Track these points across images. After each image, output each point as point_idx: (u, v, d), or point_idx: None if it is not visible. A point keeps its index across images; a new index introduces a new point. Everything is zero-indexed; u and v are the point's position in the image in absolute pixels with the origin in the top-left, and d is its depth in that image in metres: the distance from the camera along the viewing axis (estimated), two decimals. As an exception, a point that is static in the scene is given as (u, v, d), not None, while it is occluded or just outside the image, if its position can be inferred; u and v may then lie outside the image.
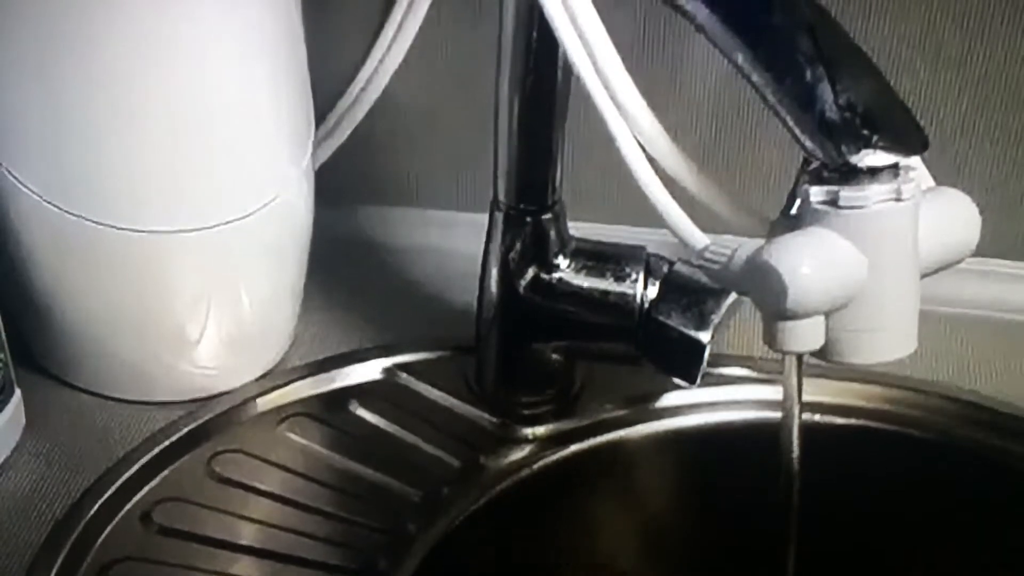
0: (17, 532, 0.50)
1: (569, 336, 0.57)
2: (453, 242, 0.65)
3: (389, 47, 0.66)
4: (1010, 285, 0.64)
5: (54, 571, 0.48)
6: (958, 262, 0.41)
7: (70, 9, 0.49)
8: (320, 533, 0.51)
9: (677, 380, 0.55)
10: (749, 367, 0.60)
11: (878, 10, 0.60)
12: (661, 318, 0.54)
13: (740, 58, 0.41)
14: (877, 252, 0.39)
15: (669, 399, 0.58)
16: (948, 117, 0.62)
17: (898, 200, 0.38)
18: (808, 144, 0.39)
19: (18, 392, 0.55)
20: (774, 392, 0.52)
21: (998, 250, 0.64)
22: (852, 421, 0.57)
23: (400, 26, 0.65)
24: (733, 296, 0.53)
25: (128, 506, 0.52)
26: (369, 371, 0.60)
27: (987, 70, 0.61)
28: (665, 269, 0.55)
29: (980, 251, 0.42)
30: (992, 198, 0.63)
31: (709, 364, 0.55)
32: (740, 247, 0.41)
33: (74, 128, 0.51)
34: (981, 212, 0.42)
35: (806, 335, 0.39)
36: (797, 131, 0.40)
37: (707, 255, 0.42)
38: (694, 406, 0.58)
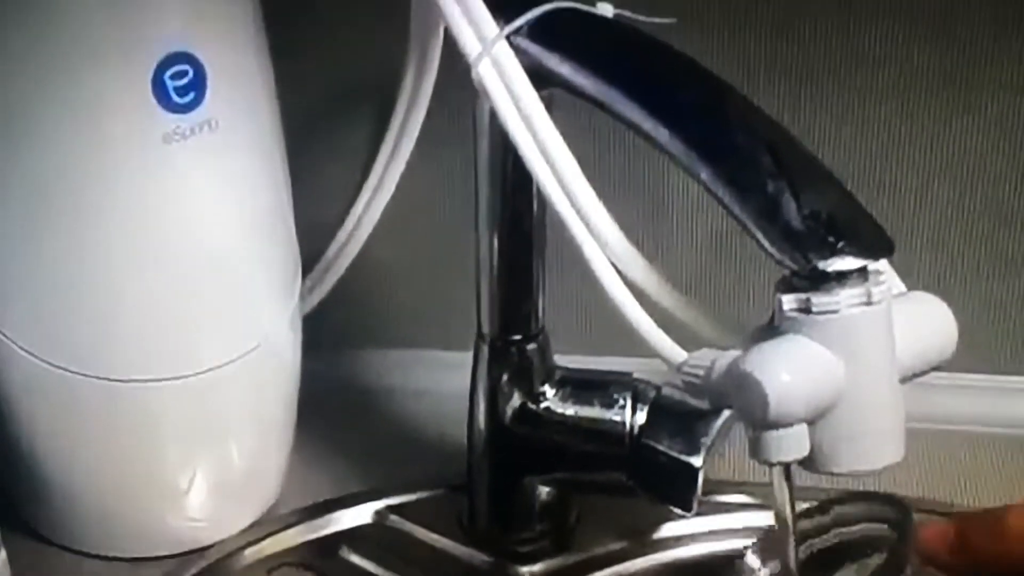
0: None
1: (560, 467, 0.56)
2: (442, 382, 0.65)
3: (375, 191, 0.67)
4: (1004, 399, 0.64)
5: None
6: (937, 367, 0.41)
7: (58, 166, 0.49)
8: None
9: (674, 508, 0.54)
10: (746, 493, 0.58)
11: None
12: (651, 443, 0.53)
13: (704, 175, 0.41)
14: (853, 356, 0.38)
15: (667, 530, 0.57)
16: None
17: (869, 303, 0.38)
18: (776, 253, 0.39)
19: (3, 552, 0.54)
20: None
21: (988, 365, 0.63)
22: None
23: (385, 170, 0.66)
24: (723, 418, 0.53)
25: (113, 665, 0.51)
26: (360, 515, 0.59)
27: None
28: (652, 394, 0.54)
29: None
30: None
31: (705, 492, 0.54)
32: (718, 358, 0.41)
33: (54, 279, 0.51)
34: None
35: (791, 444, 0.39)
36: (765, 242, 0.40)
37: (686, 368, 0.42)
38: (693, 536, 0.57)
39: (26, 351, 0.52)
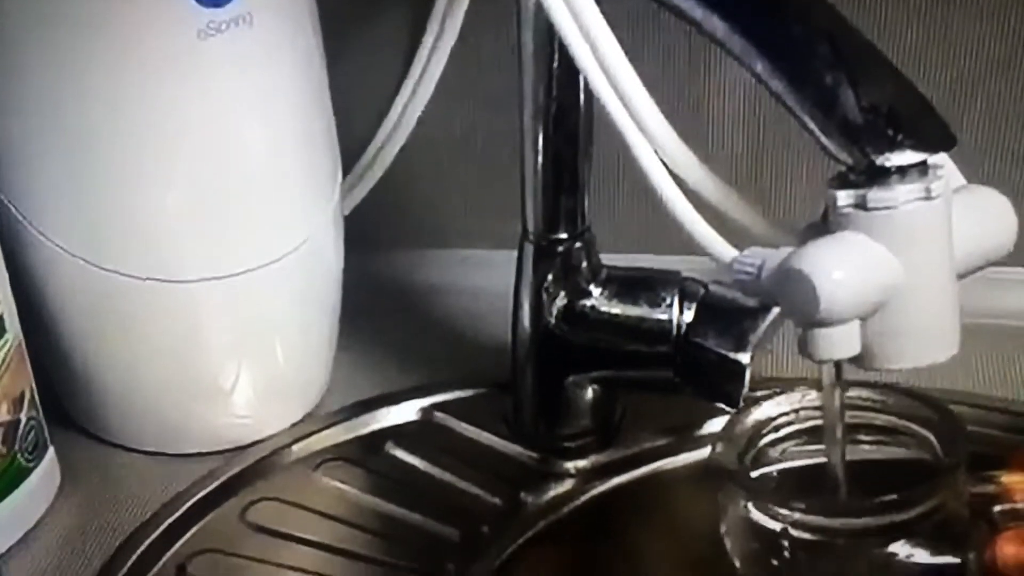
0: (54, 589, 0.50)
1: (605, 366, 0.56)
2: (488, 280, 0.64)
3: (415, 90, 0.66)
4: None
5: (90, 627, 0.48)
6: (995, 262, 0.40)
7: (95, 65, 0.49)
8: (359, 578, 0.51)
9: (720, 405, 0.53)
10: (794, 390, 0.58)
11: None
12: (698, 341, 0.52)
13: (759, 68, 0.40)
14: (910, 252, 0.38)
15: (713, 426, 0.57)
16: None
17: (928, 199, 0.37)
18: (832, 148, 0.38)
19: (51, 450, 0.54)
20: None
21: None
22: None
23: (425, 68, 0.65)
24: (772, 315, 0.52)
25: (163, 560, 0.51)
26: (405, 412, 0.59)
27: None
28: (700, 292, 0.54)
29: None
30: None
31: (753, 388, 0.54)
32: (769, 256, 0.40)
33: (98, 180, 0.51)
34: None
35: (841, 342, 0.38)
36: (821, 136, 0.39)
37: (736, 266, 0.41)
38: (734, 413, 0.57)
39: (70, 253, 0.52)
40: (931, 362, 0.39)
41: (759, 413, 0.49)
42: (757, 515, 0.45)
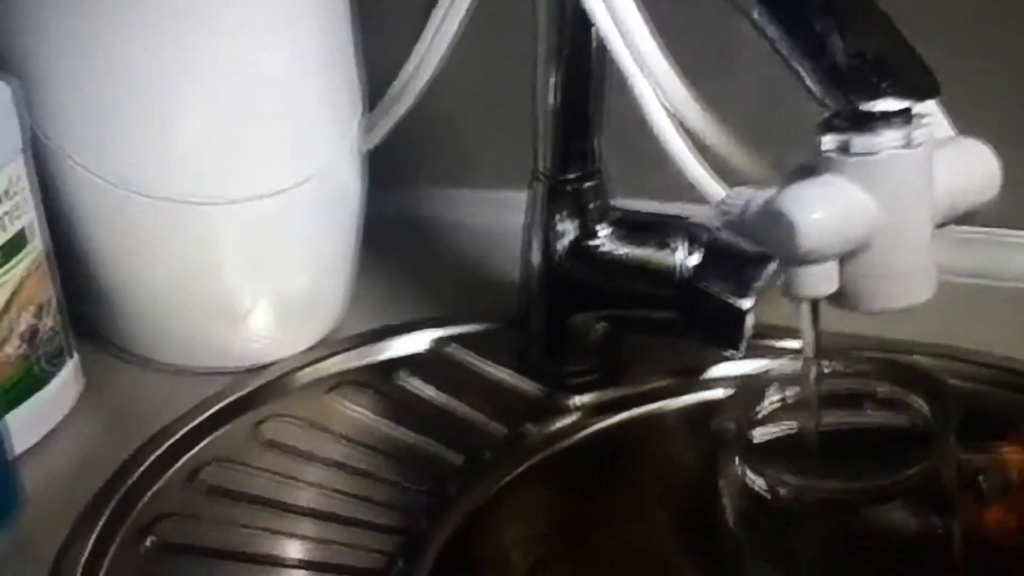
0: (69, 488, 0.52)
1: (611, 306, 0.57)
2: (506, 219, 0.65)
3: (441, 25, 0.66)
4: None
5: (101, 523, 0.50)
6: (977, 212, 0.41)
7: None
8: (362, 494, 0.52)
9: (723, 350, 0.54)
10: (799, 338, 0.59)
11: None
12: (702, 285, 0.53)
13: (755, 14, 0.41)
14: (889, 198, 0.38)
15: (716, 370, 0.58)
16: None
17: (909, 147, 0.38)
18: (819, 93, 0.39)
19: (75, 358, 0.57)
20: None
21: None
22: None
23: (450, 7, 0.66)
24: (776, 262, 0.53)
25: (176, 466, 0.53)
26: (418, 343, 0.61)
27: None
28: (707, 237, 0.55)
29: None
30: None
31: (760, 336, 0.55)
32: (755, 196, 0.41)
33: (123, 104, 0.53)
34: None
35: (819, 280, 0.39)
36: (808, 81, 0.40)
37: (723, 206, 0.42)
38: (741, 377, 0.58)
39: (95, 174, 0.54)
40: (904, 305, 0.40)
41: (764, 378, 0.50)
42: (751, 477, 0.46)
